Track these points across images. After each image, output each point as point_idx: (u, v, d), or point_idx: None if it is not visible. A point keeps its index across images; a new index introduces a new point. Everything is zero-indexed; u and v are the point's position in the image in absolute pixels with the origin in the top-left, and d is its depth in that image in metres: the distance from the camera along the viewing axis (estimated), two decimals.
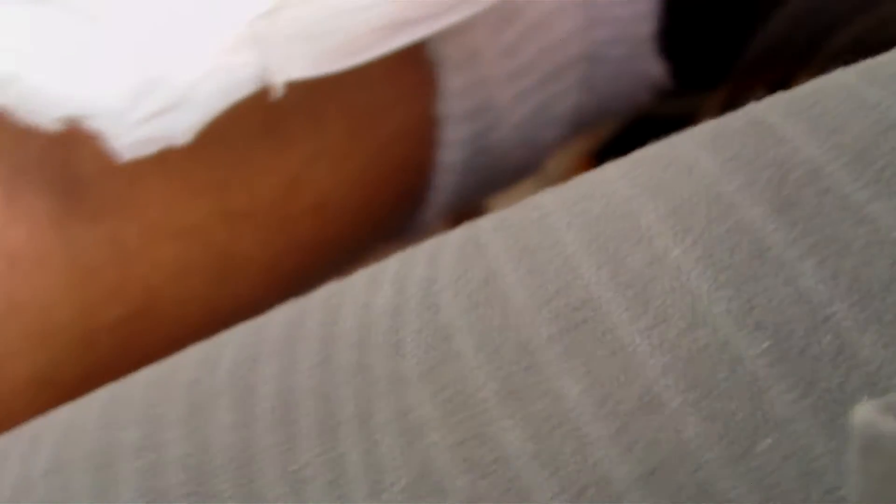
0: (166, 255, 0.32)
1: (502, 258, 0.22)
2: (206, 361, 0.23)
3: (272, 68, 0.28)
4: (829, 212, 0.19)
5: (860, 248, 0.19)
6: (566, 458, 0.19)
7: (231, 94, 0.28)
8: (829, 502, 0.18)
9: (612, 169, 0.23)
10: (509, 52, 0.34)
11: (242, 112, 0.28)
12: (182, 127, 0.28)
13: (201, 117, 0.28)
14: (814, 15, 0.35)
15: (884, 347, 0.18)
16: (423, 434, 0.20)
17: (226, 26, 0.28)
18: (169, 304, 0.32)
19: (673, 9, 0.36)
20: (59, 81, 0.27)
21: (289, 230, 0.33)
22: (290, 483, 0.21)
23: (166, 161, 0.29)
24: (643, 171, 0.22)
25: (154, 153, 0.28)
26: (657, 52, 0.36)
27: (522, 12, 0.34)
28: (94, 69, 0.28)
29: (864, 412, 0.16)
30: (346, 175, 0.34)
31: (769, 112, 0.21)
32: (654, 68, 0.37)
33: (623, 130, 0.41)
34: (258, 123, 0.32)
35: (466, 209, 0.37)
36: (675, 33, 0.37)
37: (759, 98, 0.22)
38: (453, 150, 0.35)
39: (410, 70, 0.34)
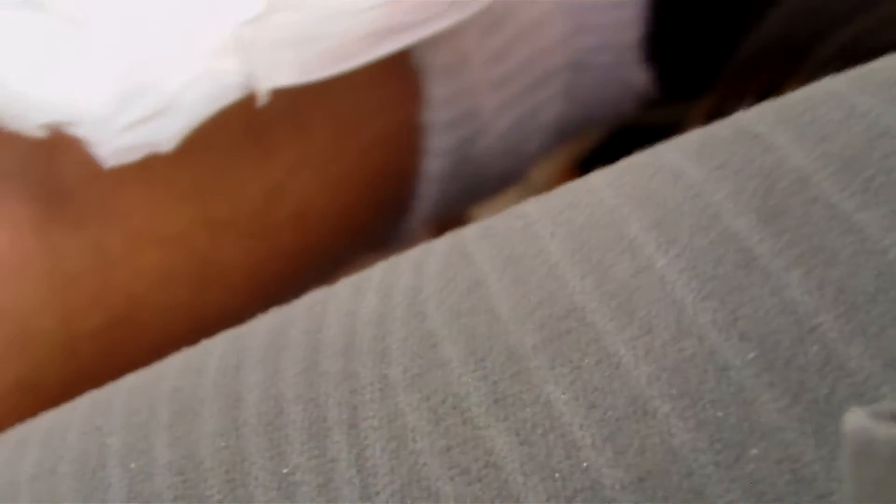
0: (149, 262, 0.31)
1: (487, 267, 0.22)
2: (189, 369, 0.23)
3: (258, 75, 0.28)
4: (817, 221, 0.19)
5: (847, 258, 0.19)
6: (556, 463, 0.19)
7: (216, 101, 0.28)
8: None
9: (598, 178, 0.23)
10: (495, 60, 0.34)
11: (226, 119, 0.28)
12: (167, 134, 0.28)
13: (186, 124, 0.28)
14: (800, 23, 0.35)
15: (870, 359, 0.18)
16: (412, 440, 0.20)
17: (211, 33, 0.28)
18: (151, 311, 0.32)
19: (658, 17, 0.36)
20: (42, 87, 0.27)
21: (271, 238, 0.33)
22: (281, 486, 0.21)
23: (150, 168, 0.29)
24: (628, 180, 0.22)
25: (137, 160, 0.28)
26: (642, 60, 0.36)
27: (508, 20, 0.34)
28: (78, 75, 0.27)
29: (856, 418, 0.16)
30: (329, 182, 0.34)
31: (757, 121, 0.21)
32: (639, 76, 0.37)
33: (607, 140, 0.41)
34: (242, 130, 0.32)
35: (450, 218, 0.37)
36: (660, 42, 0.37)
37: (746, 107, 0.22)
38: (438, 159, 0.34)
39: (395, 78, 0.34)
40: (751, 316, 0.19)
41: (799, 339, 0.19)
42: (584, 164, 0.42)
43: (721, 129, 0.22)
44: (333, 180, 0.34)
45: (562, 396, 0.20)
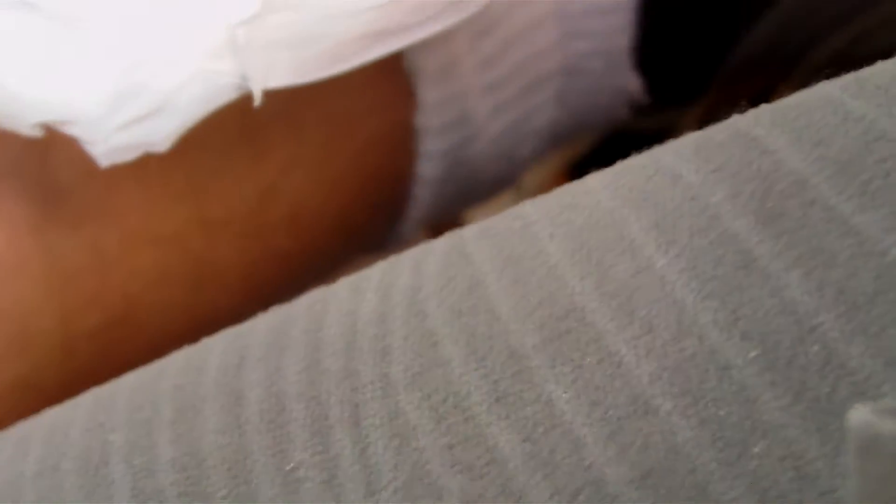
0: (145, 262, 0.31)
1: (487, 267, 0.22)
2: (190, 367, 0.23)
3: (252, 76, 0.28)
4: (815, 223, 0.20)
5: (846, 259, 0.19)
6: (560, 460, 0.19)
7: (211, 102, 0.28)
8: None
9: (595, 180, 0.23)
10: (487, 65, 0.34)
11: (220, 119, 0.28)
12: (162, 134, 0.28)
13: (181, 124, 0.28)
14: (792, 29, 0.35)
15: (871, 358, 0.18)
16: (414, 437, 0.20)
17: (206, 34, 0.28)
18: (148, 311, 0.32)
19: (649, 24, 0.36)
20: (37, 87, 0.27)
21: (266, 238, 0.33)
22: (285, 483, 0.21)
23: (145, 168, 0.29)
24: (626, 182, 0.22)
25: (133, 159, 0.28)
26: (634, 66, 0.36)
27: (500, 25, 0.34)
28: (73, 75, 0.27)
29: (860, 414, 0.16)
30: (322, 183, 0.34)
31: (754, 124, 0.21)
32: (630, 82, 0.37)
33: (600, 145, 0.41)
34: (236, 130, 0.32)
35: (444, 222, 0.37)
36: (651, 48, 0.37)
37: (739, 112, 0.22)
38: (431, 162, 0.35)
39: (388, 80, 0.34)
40: (751, 316, 0.19)
41: (800, 338, 0.19)
42: (577, 170, 0.42)
43: (718, 132, 0.22)
44: (327, 181, 0.34)
45: (563, 395, 0.20)
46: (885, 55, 0.22)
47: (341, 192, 0.34)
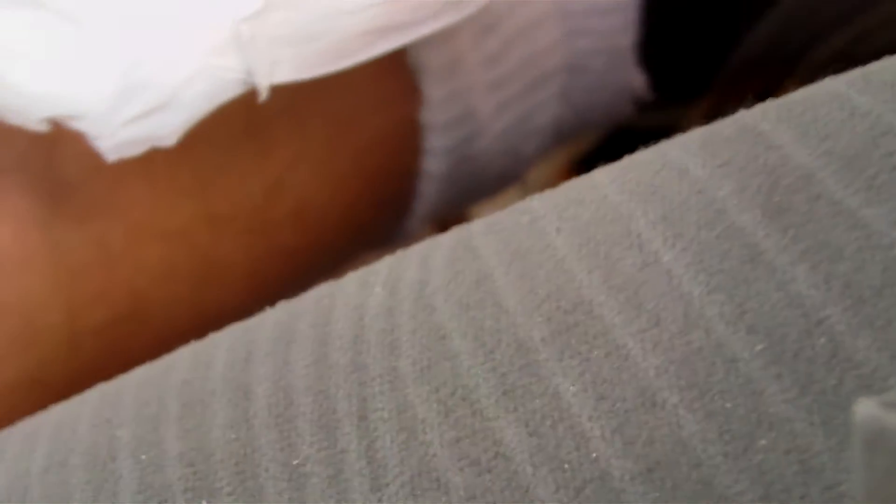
0: (151, 257, 0.31)
1: (494, 261, 0.22)
2: (198, 362, 0.23)
3: (257, 72, 0.28)
4: (821, 217, 0.20)
5: (852, 253, 0.19)
6: (565, 454, 0.19)
7: (216, 97, 0.28)
8: (828, 498, 0.18)
9: (601, 175, 0.23)
10: (491, 62, 0.34)
11: (226, 115, 0.28)
12: (168, 129, 0.28)
13: (187, 119, 0.28)
14: (795, 27, 0.35)
15: (877, 351, 0.18)
16: (421, 431, 0.20)
17: (212, 29, 0.28)
18: (153, 307, 0.32)
19: (653, 21, 0.36)
20: (44, 82, 0.27)
21: (271, 234, 0.33)
22: (291, 478, 0.21)
23: (151, 163, 0.29)
24: (633, 176, 0.22)
25: (139, 154, 0.28)
26: (637, 63, 0.37)
27: (503, 22, 0.34)
28: (79, 70, 0.27)
29: (866, 408, 0.16)
30: (327, 179, 0.34)
31: (760, 119, 0.21)
32: (634, 79, 0.37)
33: (604, 142, 0.41)
34: (241, 126, 0.32)
35: (449, 217, 0.37)
36: (655, 45, 0.37)
37: (746, 107, 0.22)
38: (436, 158, 0.35)
39: (393, 76, 0.34)
40: (758, 309, 0.19)
41: (806, 331, 0.19)
42: (581, 166, 0.42)
43: (725, 126, 0.22)
44: (333, 177, 0.34)
45: (570, 388, 0.20)
46: (886, 54, 0.22)
47: (347, 189, 0.34)
